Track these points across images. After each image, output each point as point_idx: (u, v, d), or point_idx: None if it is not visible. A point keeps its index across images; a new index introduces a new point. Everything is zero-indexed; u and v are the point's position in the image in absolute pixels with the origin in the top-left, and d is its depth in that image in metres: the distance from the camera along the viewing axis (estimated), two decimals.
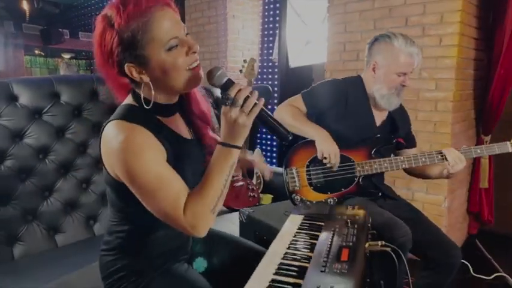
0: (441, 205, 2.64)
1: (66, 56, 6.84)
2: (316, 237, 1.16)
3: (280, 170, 2.92)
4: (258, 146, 4.04)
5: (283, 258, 1.04)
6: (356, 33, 2.92)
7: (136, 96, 1.02)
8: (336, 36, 3.04)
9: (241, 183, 2.48)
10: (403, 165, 1.70)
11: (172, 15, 0.95)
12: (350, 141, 1.73)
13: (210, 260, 1.25)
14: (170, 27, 0.93)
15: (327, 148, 1.67)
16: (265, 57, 4.21)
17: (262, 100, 0.92)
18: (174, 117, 1.10)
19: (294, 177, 1.77)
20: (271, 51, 4.11)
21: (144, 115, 0.99)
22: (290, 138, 0.96)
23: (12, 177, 1.82)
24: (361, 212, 1.34)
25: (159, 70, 0.95)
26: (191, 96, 1.13)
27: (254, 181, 2.71)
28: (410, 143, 1.90)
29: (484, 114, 2.86)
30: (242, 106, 0.90)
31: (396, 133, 1.83)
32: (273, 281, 0.92)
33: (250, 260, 1.08)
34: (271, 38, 4.14)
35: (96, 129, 2.03)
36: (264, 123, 0.96)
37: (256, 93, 0.92)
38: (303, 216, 1.36)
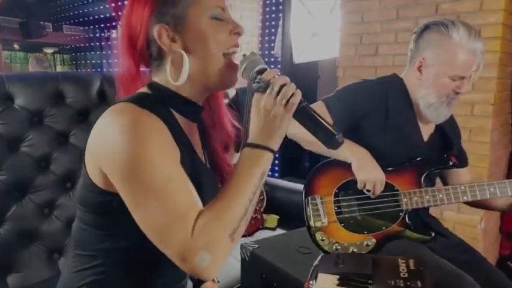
0: (476, 226, 2.27)
1: (49, 50, 6.46)
2: None
3: (284, 183, 2.60)
4: None
5: None
6: (375, 23, 2.57)
7: (153, 87, 0.82)
8: (351, 27, 2.69)
9: None
10: (465, 197, 1.29)
11: None
12: (392, 161, 1.33)
13: None
14: None
15: (371, 175, 1.28)
16: (266, 52, 3.92)
17: (300, 92, 0.76)
18: (193, 127, 0.89)
19: (318, 210, 1.34)
20: (272, 44, 3.84)
21: (161, 106, 0.79)
22: (341, 141, 0.78)
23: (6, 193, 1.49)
24: (421, 272, 0.94)
25: (196, 39, 0.79)
26: (217, 108, 0.95)
27: None
28: (461, 161, 1.48)
29: None
30: (278, 95, 0.74)
31: (450, 150, 1.42)
32: None
33: None
34: (273, 30, 3.88)
35: (63, 140, 1.64)
36: (306, 119, 0.78)
37: (293, 84, 0.76)
38: (337, 277, 0.95)
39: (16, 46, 6.22)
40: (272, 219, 2.19)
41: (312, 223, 1.34)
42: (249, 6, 3.83)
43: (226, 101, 2.46)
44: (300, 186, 2.37)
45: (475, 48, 1.26)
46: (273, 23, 3.87)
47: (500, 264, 2.71)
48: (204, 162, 0.90)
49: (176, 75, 0.79)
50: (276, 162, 3.71)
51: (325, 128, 0.77)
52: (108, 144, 0.72)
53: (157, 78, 0.83)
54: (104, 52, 6.44)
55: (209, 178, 0.90)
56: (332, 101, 1.39)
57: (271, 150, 0.76)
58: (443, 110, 1.35)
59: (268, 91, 0.75)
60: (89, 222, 0.82)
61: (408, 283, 0.89)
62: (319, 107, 1.37)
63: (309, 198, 1.35)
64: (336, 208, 1.34)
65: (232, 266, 1.69)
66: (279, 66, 3.71)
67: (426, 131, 1.43)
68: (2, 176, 1.54)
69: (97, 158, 0.75)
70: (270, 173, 3.67)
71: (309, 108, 0.78)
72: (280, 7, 3.71)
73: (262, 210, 2.29)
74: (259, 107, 0.76)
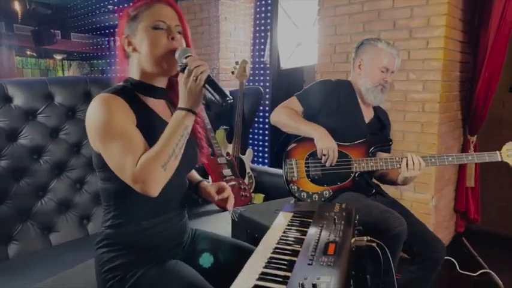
0: (429, 204, 2.70)
1: (58, 57, 6.81)
2: (304, 233, 1.21)
3: (272, 170, 3.04)
4: (250, 147, 4.08)
5: (272, 253, 1.08)
6: (346, 35, 2.98)
7: (126, 80, 1.18)
8: (327, 39, 3.09)
9: (233, 182, 2.52)
10: (398, 165, 1.75)
11: (170, 10, 1.16)
12: (346, 137, 1.83)
13: (199, 259, 1.28)
14: (163, 14, 1.13)
15: (326, 145, 1.76)
16: (257, 59, 4.24)
17: (208, 70, 1.06)
18: (161, 103, 1.22)
19: (292, 168, 1.84)
20: (262, 52, 4.15)
21: (128, 92, 1.14)
22: (229, 100, 1.06)
23: (7, 177, 1.84)
24: (349, 209, 1.39)
25: (142, 42, 1.12)
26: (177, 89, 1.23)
27: (246, 181, 2.76)
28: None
29: (470, 115, 2.93)
30: (192, 72, 1.03)
31: (384, 130, 1.95)
32: (262, 273, 0.96)
33: (242, 257, 1.10)
34: (262, 40, 4.18)
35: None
36: (211, 87, 1.06)
37: (205, 63, 1.07)
38: (292, 213, 1.41)
39: (28, 52, 6.57)
40: (259, 197, 2.62)
41: (288, 177, 1.84)
42: (242, 19, 4.17)
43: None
44: (281, 172, 2.79)
45: (392, 52, 1.84)
46: (263, 34, 4.14)
47: (456, 240, 3.13)
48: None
49: (135, 68, 1.16)
50: (266, 155, 4.10)
51: (222, 92, 1.06)
52: (89, 119, 1.07)
53: (130, 73, 1.19)
54: (107, 59, 6.78)
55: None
56: (302, 95, 1.93)
57: (191, 111, 1.06)
58: (378, 93, 1.89)
59: (186, 70, 1.05)
60: (101, 178, 1.16)
61: (337, 213, 1.34)
62: (292, 100, 1.93)
63: (287, 160, 1.86)
64: (306, 168, 1.84)
65: (223, 228, 2.09)
66: (268, 71, 4.01)
67: (367, 115, 1.95)
68: (45, 157, 1.97)
69: (87, 130, 1.09)
70: (260, 164, 4.09)
71: (213, 81, 1.06)
72: (269, 20, 3.99)
73: (251, 190, 2.73)
74: (181, 82, 1.06)
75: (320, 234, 1.17)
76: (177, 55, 1.11)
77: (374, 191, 1.82)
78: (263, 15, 4.17)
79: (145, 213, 1.16)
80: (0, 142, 1.83)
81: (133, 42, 1.15)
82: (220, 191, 1.37)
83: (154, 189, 1.02)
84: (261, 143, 4.15)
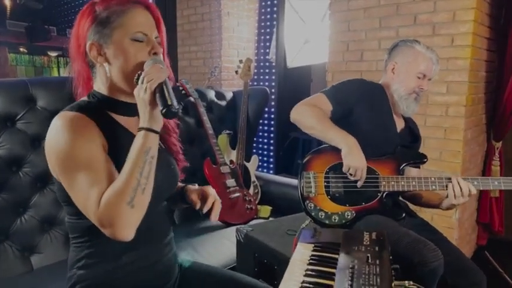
0: (452, 217, 2.48)
1: (53, 53, 6.60)
2: (332, 276, 0.97)
3: (279, 178, 2.81)
4: (255, 152, 3.86)
5: None
6: (360, 32, 2.76)
7: (90, 95, 1.02)
8: (338, 35, 2.88)
9: (237, 194, 2.29)
10: (433, 187, 1.53)
11: (149, 17, 1.00)
12: (375, 148, 1.60)
13: None
14: (142, 23, 0.98)
15: (355, 162, 1.52)
16: (261, 57, 4.06)
17: (160, 77, 0.91)
18: (135, 121, 1.01)
19: (310, 183, 1.59)
20: (267, 50, 3.96)
21: (95, 109, 0.97)
22: (174, 111, 0.89)
23: None
24: (382, 242, 1.16)
25: (118, 55, 0.96)
26: None
27: (251, 191, 2.52)
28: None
29: (496, 119, 2.70)
30: (143, 81, 0.90)
31: (416, 142, 1.74)
32: None
33: None
34: (267, 37, 4.00)
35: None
36: (160, 95, 0.90)
37: (162, 70, 0.93)
38: (313, 246, 1.17)
39: (22, 49, 6.38)
40: (265, 210, 2.39)
41: (304, 192, 1.59)
42: (246, 14, 3.96)
43: (223, 103, 2.67)
44: (291, 181, 2.57)
45: (431, 57, 1.63)
46: (268, 30, 3.98)
47: (478, 253, 2.90)
48: None
49: (103, 81, 0.99)
50: (271, 160, 3.88)
51: (165, 98, 0.89)
52: (49, 144, 0.91)
53: (95, 86, 1.02)
54: None
55: (160, 155, 1.03)
56: (331, 91, 1.69)
57: (150, 129, 0.89)
58: (411, 103, 1.67)
59: (139, 81, 0.91)
60: (69, 213, 1.00)
61: (368, 248, 1.11)
62: (319, 98, 1.67)
63: (304, 172, 1.61)
64: (325, 183, 1.59)
65: (227, 248, 1.89)
66: (273, 70, 3.84)
67: (399, 124, 1.73)
68: (26, 169, 1.75)
69: (47, 157, 0.93)
70: (265, 170, 3.88)
71: (162, 89, 0.90)
72: (275, 15, 3.83)
73: (257, 202, 2.49)
74: (135, 96, 0.91)
75: (352, 280, 0.94)
76: (145, 65, 0.96)
77: (404, 214, 1.58)
78: (268, 9, 4.00)
79: (125, 245, 0.94)
80: None
81: (104, 53, 0.97)
82: (204, 197, 1.13)
83: (126, 233, 0.85)
84: (265, 146, 3.93)
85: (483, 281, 1.48)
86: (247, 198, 2.33)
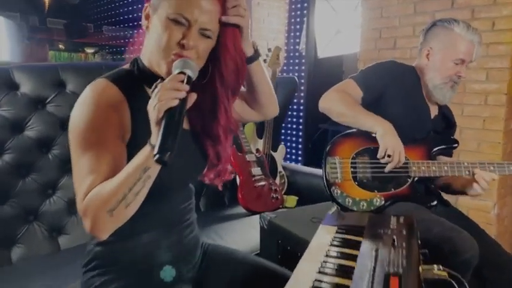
0: (490, 212, 2.34)
1: (90, 50, 6.81)
2: (354, 258, 0.92)
3: (306, 169, 2.75)
4: (282, 143, 3.82)
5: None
6: (393, 18, 2.68)
7: (133, 63, 0.95)
8: (371, 22, 2.82)
9: (262, 183, 2.25)
10: (466, 172, 1.45)
11: (205, 3, 0.86)
12: (407, 133, 1.51)
13: (216, 285, 1.05)
14: (194, 7, 0.85)
15: (392, 144, 1.44)
16: (291, 47, 3.99)
17: (173, 101, 0.76)
18: None
19: (335, 168, 1.53)
20: (298, 40, 3.89)
21: (131, 82, 0.91)
22: (165, 159, 0.74)
23: (11, 173, 1.68)
24: (410, 225, 1.09)
25: (155, 29, 0.88)
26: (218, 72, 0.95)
27: (277, 181, 2.48)
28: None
29: None
30: (156, 97, 0.77)
31: (451, 129, 1.65)
32: None
33: (266, 284, 0.94)
34: (298, 27, 3.93)
35: None
36: (165, 124, 0.76)
37: (180, 88, 0.77)
38: (336, 227, 1.12)
39: (61, 46, 6.61)
40: (291, 200, 2.34)
41: (329, 178, 1.52)
42: (276, 5, 3.92)
43: None
44: (318, 171, 2.50)
45: (472, 39, 1.50)
46: (298, 20, 3.91)
47: None
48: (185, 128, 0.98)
49: (147, 49, 0.91)
50: (300, 152, 3.83)
51: (164, 140, 0.75)
52: (74, 110, 0.88)
53: (142, 52, 0.94)
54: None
55: (185, 140, 0.97)
56: (361, 76, 1.60)
57: (151, 145, 0.78)
58: (447, 91, 1.56)
59: (153, 94, 0.78)
60: None
61: (395, 231, 1.04)
62: (348, 83, 1.58)
63: (329, 158, 1.54)
64: (352, 168, 1.52)
65: (251, 235, 1.86)
66: (303, 60, 3.79)
67: (432, 110, 1.63)
68: (55, 151, 1.78)
69: (70, 121, 0.88)
70: (293, 162, 3.82)
71: (173, 121, 0.76)
72: (305, 5, 3.77)
73: (283, 192, 2.45)
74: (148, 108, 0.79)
75: (376, 262, 0.88)
76: (173, 67, 0.84)
77: (436, 201, 1.49)
78: None
79: (146, 224, 0.94)
80: (4, 134, 1.67)
81: (150, 19, 0.90)
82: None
83: (99, 234, 0.81)
84: (294, 138, 3.88)
85: None
86: (273, 188, 2.29)
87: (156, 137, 0.76)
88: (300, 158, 3.82)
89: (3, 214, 1.65)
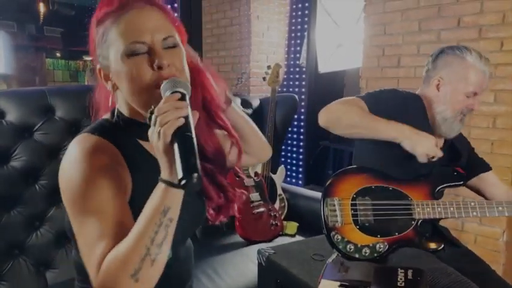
0: (499, 239, 2.26)
1: (88, 58, 6.83)
2: None
3: (307, 192, 2.66)
4: (283, 165, 3.75)
5: None
6: (397, 35, 2.60)
7: (113, 113, 0.87)
8: (373, 39, 2.74)
9: (261, 209, 2.17)
10: (474, 213, 1.36)
11: (152, 15, 0.79)
12: (406, 168, 1.43)
13: None
14: (140, 27, 0.77)
15: (425, 146, 1.33)
16: (291, 62, 3.97)
17: (178, 121, 0.68)
18: None
19: (335, 211, 1.42)
20: (298, 55, 3.87)
21: (118, 132, 0.84)
22: (195, 181, 0.65)
23: None
24: (420, 281, 1.00)
25: (120, 79, 0.80)
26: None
27: (277, 205, 2.40)
28: (481, 167, 1.64)
29: None
30: (156, 123, 0.68)
31: (458, 161, 1.53)
32: None
33: None
34: (298, 41, 3.91)
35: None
36: (180, 149, 0.67)
37: (181, 106, 0.69)
38: (338, 284, 1.03)
39: (58, 54, 6.62)
40: (292, 226, 2.25)
41: (329, 222, 1.41)
42: (276, 18, 3.89)
43: (250, 111, 2.56)
44: (318, 195, 2.42)
45: (485, 70, 1.41)
46: (299, 34, 3.90)
47: None
48: None
49: (123, 102, 0.85)
50: (300, 169, 3.77)
51: (188, 160, 0.66)
52: (62, 171, 0.79)
53: (118, 104, 0.87)
54: None
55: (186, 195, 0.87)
56: (370, 97, 1.49)
57: (172, 184, 0.70)
58: (456, 125, 1.48)
59: (151, 122, 0.71)
60: (76, 248, 0.84)
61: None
62: (356, 100, 1.47)
63: (328, 199, 1.43)
64: (352, 211, 1.41)
65: (249, 270, 1.79)
66: (303, 75, 3.75)
67: (438, 142, 1.49)
68: (42, 181, 1.71)
69: (60, 185, 0.81)
70: (293, 180, 3.75)
71: (186, 139, 0.68)
72: (306, 19, 3.75)
73: (282, 217, 2.36)
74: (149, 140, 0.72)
75: None
76: (162, 92, 0.74)
77: (443, 245, 1.39)
78: (299, 13, 3.90)
79: None
80: None
81: (110, 77, 0.83)
82: None
83: None
84: (294, 155, 3.82)
85: None
86: (272, 214, 2.20)
87: (167, 169, 0.69)
88: (300, 176, 3.77)
89: None
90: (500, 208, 1.37)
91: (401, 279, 1.02)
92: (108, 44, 0.79)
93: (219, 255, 1.95)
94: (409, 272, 1.05)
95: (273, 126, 2.49)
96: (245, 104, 2.60)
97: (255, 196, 2.18)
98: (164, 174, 0.70)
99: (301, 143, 3.74)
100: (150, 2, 0.81)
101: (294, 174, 3.80)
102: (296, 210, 2.44)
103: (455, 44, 1.50)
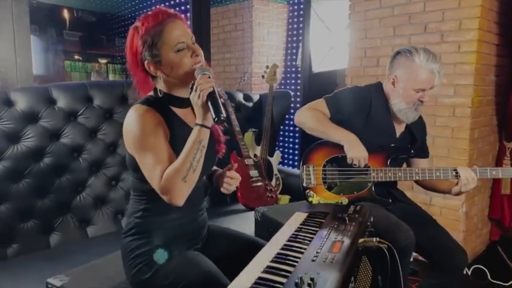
0: (458, 210, 2.65)
1: (103, 60, 7.18)
2: (315, 232, 1.26)
3: (297, 172, 3.06)
4: (279, 149, 4.13)
5: (281, 249, 1.14)
6: (376, 39, 2.97)
7: (155, 90, 1.25)
8: (357, 42, 3.10)
9: (259, 183, 2.59)
10: (417, 177, 1.71)
11: (181, 25, 1.20)
12: (369, 146, 1.73)
13: (216, 252, 1.36)
14: (179, 34, 1.18)
15: (357, 154, 1.68)
16: (289, 63, 4.31)
17: (210, 89, 1.12)
18: (188, 111, 1.28)
19: (309, 174, 1.80)
20: (295, 56, 4.20)
21: (159, 103, 1.22)
22: (223, 118, 1.11)
23: (50, 173, 2.01)
24: (363, 211, 1.42)
25: (169, 67, 1.19)
26: None
27: (273, 182, 2.82)
28: (423, 153, 1.93)
29: (505, 120, 2.84)
30: (197, 89, 1.12)
31: (415, 144, 1.85)
32: (268, 267, 1.02)
33: (255, 253, 1.16)
34: (295, 44, 4.24)
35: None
36: (211, 103, 1.12)
37: (210, 81, 1.13)
38: (307, 213, 1.46)
39: (76, 57, 7.00)
40: (284, 199, 2.67)
41: (304, 183, 1.81)
42: (276, 24, 4.25)
43: (250, 104, 2.98)
44: None
45: (432, 68, 1.66)
46: (295, 38, 4.21)
47: (490, 248, 3.01)
48: None
49: (164, 87, 1.24)
50: (296, 157, 4.13)
51: (217, 109, 1.10)
52: (126, 129, 1.18)
53: (158, 85, 1.25)
54: None
55: None
56: (331, 99, 1.82)
57: (203, 126, 1.14)
58: (412, 113, 1.77)
59: (193, 88, 1.14)
60: (134, 177, 1.26)
61: (350, 215, 1.38)
62: (320, 103, 1.82)
63: (304, 166, 1.82)
64: (323, 175, 1.80)
65: (248, 227, 2.14)
66: (299, 75, 4.07)
67: (399, 129, 1.86)
68: (84, 155, 2.12)
69: (124, 137, 1.20)
70: (290, 162, 4.13)
71: (215, 98, 1.11)
72: (302, 24, 4.05)
73: (278, 192, 2.78)
74: (191, 99, 1.15)
75: (329, 234, 1.22)
76: (195, 74, 1.17)
77: (391, 200, 1.77)
78: (296, 19, 4.24)
79: (174, 207, 1.23)
80: (45, 141, 2.00)
81: (160, 68, 1.20)
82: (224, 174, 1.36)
83: (179, 200, 1.13)
84: (291, 145, 4.20)
85: (462, 256, 1.67)
86: (268, 188, 2.62)
87: (201, 117, 1.13)
88: (296, 163, 4.14)
89: (43, 206, 1.98)
90: (437, 173, 1.70)
91: (351, 209, 1.44)
92: (159, 46, 1.17)
93: (225, 217, 2.37)
94: (358, 207, 1.47)
95: (271, 117, 2.91)
96: (247, 98, 3.01)
97: (254, 173, 2.60)
98: (199, 120, 1.14)
99: (297, 134, 4.11)
100: (178, 17, 1.21)
101: (290, 161, 4.20)
102: (289, 187, 2.84)
103: (423, 47, 1.72)
